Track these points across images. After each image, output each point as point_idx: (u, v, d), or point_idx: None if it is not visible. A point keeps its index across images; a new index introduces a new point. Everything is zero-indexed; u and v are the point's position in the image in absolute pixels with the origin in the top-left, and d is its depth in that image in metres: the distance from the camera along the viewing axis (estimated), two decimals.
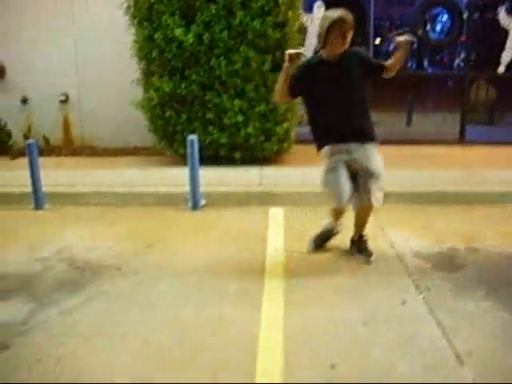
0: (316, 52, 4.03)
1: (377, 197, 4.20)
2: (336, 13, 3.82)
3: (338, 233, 4.62)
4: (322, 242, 4.60)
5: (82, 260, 4.47)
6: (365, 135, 4.19)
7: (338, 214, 4.42)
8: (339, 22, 3.78)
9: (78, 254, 4.60)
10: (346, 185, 4.12)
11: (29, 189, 5.99)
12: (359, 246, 4.49)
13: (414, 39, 4.16)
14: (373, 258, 4.35)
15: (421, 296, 3.75)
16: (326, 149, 4.16)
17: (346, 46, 3.92)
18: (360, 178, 4.17)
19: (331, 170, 4.15)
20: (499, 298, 3.72)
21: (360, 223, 4.45)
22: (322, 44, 3.91)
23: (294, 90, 4.09)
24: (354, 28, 3.87)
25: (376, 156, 4.24)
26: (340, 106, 4.05)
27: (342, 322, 3.38)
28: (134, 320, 3.46)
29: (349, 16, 3.83)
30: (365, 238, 4.51)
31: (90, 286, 3.99)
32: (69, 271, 4.27)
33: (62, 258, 4.52)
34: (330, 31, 3.80)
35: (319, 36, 3.92)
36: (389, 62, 4.22)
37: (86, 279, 4.10)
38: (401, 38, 4.08)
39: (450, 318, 3.43)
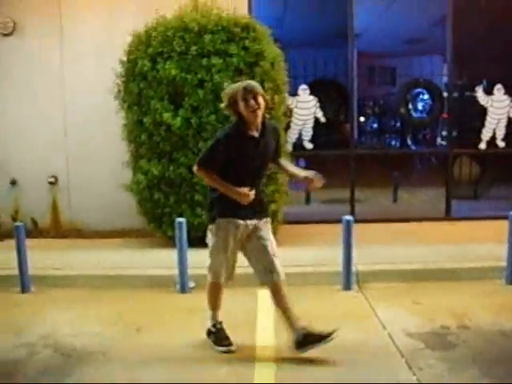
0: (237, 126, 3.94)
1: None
2: (241, 83, 3.90)
3: (222, 325, 4.34)
4: (226, 339, 4.25)
5: (68, 345, 4.39)
6: (265, 210, 4.25)
7: (217, 297, 4.31)
8: (249, 88, 3.80)
9: (64, 339, 4.52)
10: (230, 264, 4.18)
11: (15, 271, 5.93)
12: (312, 339, 3.94)
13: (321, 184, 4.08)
14: (335, 333, 3.92)
15: (414, 377, 3.71)
16: (222, 222, 4.04)
17: (261, 113, 3.85)
18: (259, 253, 4.10)
19: (223, 248, 4.07)
20: (494, 376, 3.69)
21: (287, 309, 4.08)
22: (234, 113, 3.90)
23: (215, 166, 3.95)
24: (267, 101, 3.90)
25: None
26: (252, 179, 3.99)
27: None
28: None
29: (254, 83, 3.93)
30: (309, 329, 3.98)
31: (76, 372, 3.91)
32: (54, 357, 4.20)
33: (48, 344, 4.44)
34: (242, 100, 3.79)
35: (232, 109, 3.90)
36: (284, 164, 4.32)
37: (72, 366, 4.02)
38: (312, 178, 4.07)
39: None
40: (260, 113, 3.82)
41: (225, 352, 4.14)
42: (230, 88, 3.94)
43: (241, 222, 4.00)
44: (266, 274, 4.06)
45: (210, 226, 4.16)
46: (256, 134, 3.91)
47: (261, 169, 4.07)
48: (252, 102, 3.77)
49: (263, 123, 3.93)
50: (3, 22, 8.20)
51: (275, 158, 4.20)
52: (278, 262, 4.07)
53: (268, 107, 3.97)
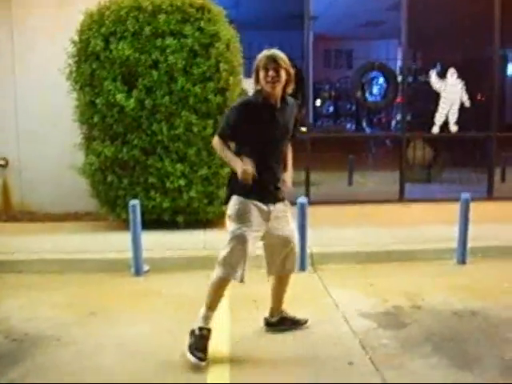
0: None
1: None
2: (267, 51, 3.67)
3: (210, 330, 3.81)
4: (204, 351, 3.70)
5: (20, 331, 4.30)
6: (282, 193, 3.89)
7: (217, 295, 3.82)
8: (272, 57, 3.59)
9: (16, 325, 4.43)
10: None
11: None
12: (290, 318, 4.21)
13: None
14: (309, 321, 4.24)
15: (367, 356, 3.76)
16: (242, 202, 3.71)
17: (280, 86, 3.63)
18: (278, 245, 3.89)
19: (241, 237, 3.68)
20: (445, 354, 3.78)
21: (280, 298, 4.16)
22: (256, 82, 3.67)
23: (233, 136, 3.77)
24: (292, 75, 3.68)
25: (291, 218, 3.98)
26: (272, 156, 3.76)
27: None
28: None
29: (281, 54, 3.65)
30: (287, 314, 4.21)
31: (29, 358, 3.83)
32: (6, 343, 4.10)
33: None
34: (263, 69, 3.59)
35: (255, 77, 3.67)
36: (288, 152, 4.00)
37: (25, 351, 3.94)
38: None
39: (397, 376, 3.46)
40: (279, 86, 3.61)
41: (193, 362, 3.64)
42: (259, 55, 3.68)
43: (263, 206, 3.72)
44: (282, 266, 3.91)
45: (228, 213, 3.77)
46: (275, 105, 3.68)
47: (279, 144, 3.78)
48: (272, 72, 3.55)
49: (283, 97, 3.71)
50: None
51: (290, 137, 3.92)
52: (295, 255, 3.97)
53: (290, 82, 3.70)
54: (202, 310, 3.80)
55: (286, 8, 10.66)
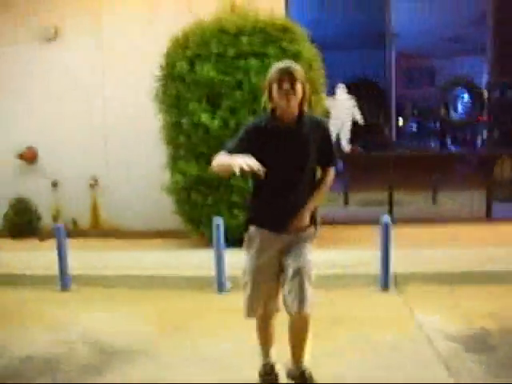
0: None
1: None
2: (280, 63, 3.27)
3: (277, 374, 3.58)
4: None
5: (106, 343, 4.45)
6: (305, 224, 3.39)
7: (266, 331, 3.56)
8: (285, 69, 3.17)
9: (103, 338, 4.58)
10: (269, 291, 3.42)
11: (56, 271, 6.06)
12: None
13: None
14: None
15: (452, 379, 3.65)
16: (251, 230, 3.43)
17: (296, 102, 3.17)
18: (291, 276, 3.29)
19: (256, 268, 3.40)
20: None
21: (296, 344, 3.43)
22: (269, 100, 3.24)
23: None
24: (308, 91, 3.25)
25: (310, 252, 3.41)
26: (286, 183, 3.29)
27: None
28: None
29: (297, 67, 3.22)
30: (308, 373, 3.42)
31: (114, 370, 3.96)
32: (93, 355, 4.26)
33: (87, 341, 4.51)
34: (276, 81, 3.16)
35: (268, 94, 3.24)
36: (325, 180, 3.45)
37: (112, 364, 4.07)
38: None
39: None
40: (294, 100, 3.15)
41: None
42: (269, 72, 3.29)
43: (273, 234, 3.35)
44: (294, 302, 3.22)
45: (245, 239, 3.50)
46: (290, 125, 3.24)
47: (299, 169, 3.28)
48: (286, 85, 3.13)
49: (300, 115, 3.23)
50: (45, 27, 8.39)
51: (323, 164, 3.42)
52: (310, 292, 3.26)
53: (307, 99, 3.25)
54: (259, 347, 3.62)
55: (367, 26, 10.63)
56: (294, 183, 3.30)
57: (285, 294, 3.28)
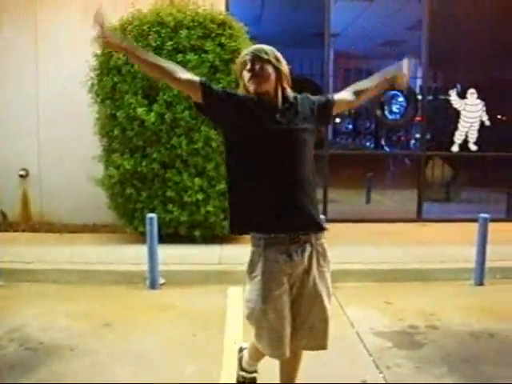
0: None
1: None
2: (250, 48, 2.88)
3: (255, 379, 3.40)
4: None
5: (35, 340, 4.34)
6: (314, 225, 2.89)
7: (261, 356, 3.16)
8: (251, 53, 2.81)
9: (32, 334, 4.46)
10: (287, 326, 2.78)
11: None
12: None
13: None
14: None
15: (381, 375, 3.73)
16: (257, 239, 2.84)
17: (269, 84, 2.77)
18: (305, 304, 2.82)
19: (266, 291, 2.75)
20: (461, 375, 3.74)
21: (291, 376, 3.13)
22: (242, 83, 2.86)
23: (211, 97, 2.79)
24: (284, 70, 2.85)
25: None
26: (282, 174, 2.76)
27: None
28: None
29: (268, 47, 2.86)
30: None
31: (43, 367, 3.86)
32: (21, 352, 4.14)
33: (14, 338, 4.37)
34: (243, 66, 2.83)
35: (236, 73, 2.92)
36: (350, 92, 3.16)
37: (39, 360, 3.97)
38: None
39: None
40: (265, 83, 2.77)
41: None
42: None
43: (279, 253, 2.77)
44: (310, 335, 2.85)
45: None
46: (272, 101, 2.81)
47: (293, 159, 2.77)
48: (256, 66, 2.78)
49: (284, 97, 2.83)
50: None
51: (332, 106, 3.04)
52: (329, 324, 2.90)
53: (283, 79, 2.83)
54: (245, 354, 3.35)
55: (307, 25, 10.71)
56: (293, 173, 2.78)
57: (310, 330, 2.85)
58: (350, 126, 16.20)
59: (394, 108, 10.92)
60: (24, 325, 4.67)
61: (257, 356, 3.18)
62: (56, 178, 8.32)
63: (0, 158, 8.29)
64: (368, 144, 14.92)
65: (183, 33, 6.57)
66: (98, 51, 6.87)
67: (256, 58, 2.78)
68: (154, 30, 6.60)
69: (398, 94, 10.61)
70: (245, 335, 4.36)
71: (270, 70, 2.78)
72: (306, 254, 2.80)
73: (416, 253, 6.69)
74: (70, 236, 7.69)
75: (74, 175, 8.04)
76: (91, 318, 4.86)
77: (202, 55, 6.57)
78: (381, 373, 3.76)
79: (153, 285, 5.70)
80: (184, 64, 6.52)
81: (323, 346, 2.89)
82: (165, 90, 6.58)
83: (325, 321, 2.84)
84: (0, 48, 8.18)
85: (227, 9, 8.10)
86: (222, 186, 6.71)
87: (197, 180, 6.71)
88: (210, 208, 6.76)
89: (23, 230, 8.12)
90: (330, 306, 2.87)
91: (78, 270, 6.07)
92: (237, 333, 4.48)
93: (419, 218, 8.98)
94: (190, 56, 6.54)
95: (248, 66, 2.78)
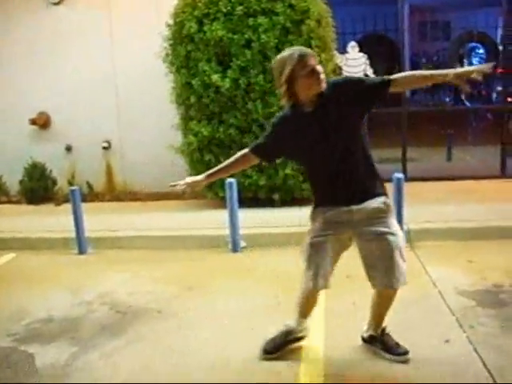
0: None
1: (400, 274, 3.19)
2: (293, 51, 3.01)
3: (303, 338, 3.59)
4: (276, 347, 3.51)
5: (123, 304, 4.55)
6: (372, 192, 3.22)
7: (308, 304, 3.50)
8: (304, 57, 2.95)
9: (120, 298, 4.68)
10: (328, 266, 3.27)
11: (73, 234, 6.14)
12: (385, 342, 3.46)
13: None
14: (409, 355, 3.38)
15: (464, 334, 3.68)
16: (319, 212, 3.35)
17: (323, 84, 2.99)
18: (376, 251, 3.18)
19: (318, 245, 3.27)
20: None
21: (378, 313, 3.49)
22: (290, 94, 3.02)
23: (267, 153, 3.38)
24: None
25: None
26: (335, 166, 3.13)
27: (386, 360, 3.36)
28: (174, 364, 3.50)
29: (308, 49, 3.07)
30: (387, 331, 3.51)
31: (131, 329, 4.05)
32: (110, 315, 4.36)
33: (104, 302, 4.61)
34: (297, 73, 2.93)
35: (281, 85, 3.01)
36: (412, 75, 3.27)
37: (127, 323, 4.17)
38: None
39: (495, 356, 3.35)
40: (317, 86, 2.98)
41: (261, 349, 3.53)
42: (278, 66, 3.02)
43: (337, 208, 3.21)
44: (384, 278, 3.19)
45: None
46: (310, 107, 3.05)
47: (341, 145, 3.09)
48: (317, 66, 2.96)
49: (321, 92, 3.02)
50: None
51: (383, 89, 3.07)
52: (402, 263, 3.18)
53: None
54: (296, 315, 3.55)
55: None
56: (344, 158, 3.10)
57: (380, 270, 3.17)
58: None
59: (474, 61, 10.55)
60: (113, 290, 4.90)
61: (302, 309, 3.51)
62: (137, 148, 8.56)
63: (84, 132, 8.59)
64: (447, 100, 14.49)
65: None
66: (170, 21, 6.96)
67: (311, 57, 2.97)
68: None
69: (478, 45, 10.22)
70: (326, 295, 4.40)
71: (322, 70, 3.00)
72: (366, 206, 3.15)
73: (499, 210, 6.47)
74: (153, 204, 7.93)
75: (153, 144, 8.23)
76: (176, 281, 5.02)
77: (273, 18, 6.54)
78: (464, 332, 3.70)
79: (235, 248, 5.82)
80: (255, 27, 6.52)
81: (395, 286, 3.21)
82: (238, 55, 6.61)
83: (390, 258, 3.14)
84: (75, 24, 8.42)
85: None
86: None
87: None
88: (288, 171, 6.78)
89: (108, 200, 8.44)
90: (397, 247, 3.16)
91: (162, 236, 6.29)
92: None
93: (503, 174, 8.67)
94: (261, 19, 6.52)
95: (308, 68, 2.93)
